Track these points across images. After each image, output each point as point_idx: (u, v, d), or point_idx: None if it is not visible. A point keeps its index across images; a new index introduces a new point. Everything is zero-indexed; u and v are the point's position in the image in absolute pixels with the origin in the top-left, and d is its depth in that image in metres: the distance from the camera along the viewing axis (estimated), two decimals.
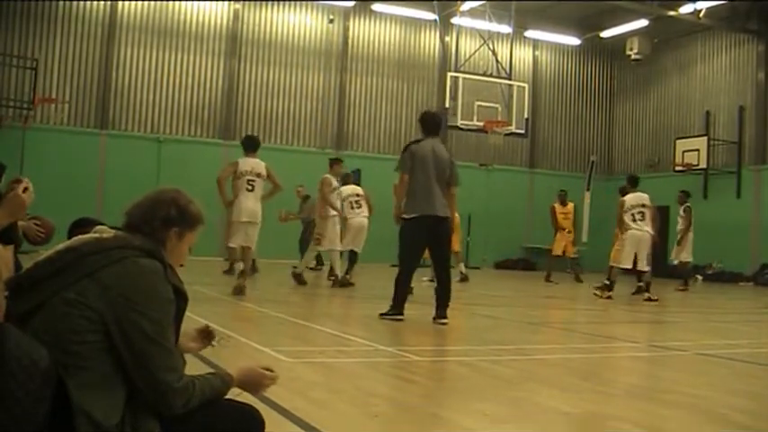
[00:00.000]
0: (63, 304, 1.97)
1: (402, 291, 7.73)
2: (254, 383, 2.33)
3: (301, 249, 15.74)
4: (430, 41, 24.49)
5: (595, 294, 12.09)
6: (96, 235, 2.12)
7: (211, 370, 2.30)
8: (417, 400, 4.04)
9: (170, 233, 2.20)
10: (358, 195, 12.88)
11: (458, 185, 8.08)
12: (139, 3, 21.15)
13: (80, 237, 2.11)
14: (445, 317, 7.58)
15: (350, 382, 4.42)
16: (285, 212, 15.45)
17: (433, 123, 8.15)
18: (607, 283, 12.07)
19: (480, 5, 21.80)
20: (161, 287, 2.06)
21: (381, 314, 7.72)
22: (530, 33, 24.97)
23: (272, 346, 5.54)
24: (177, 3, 21.59)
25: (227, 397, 2.23)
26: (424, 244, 7.93)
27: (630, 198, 12.37)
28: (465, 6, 22.27)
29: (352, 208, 12.73)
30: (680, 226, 15.43)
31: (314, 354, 5.60)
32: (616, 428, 3.56)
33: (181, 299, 2.15)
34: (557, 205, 16.80)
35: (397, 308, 7.69)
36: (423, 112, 8.58)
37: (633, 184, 12.70)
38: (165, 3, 21.44)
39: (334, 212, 12.11)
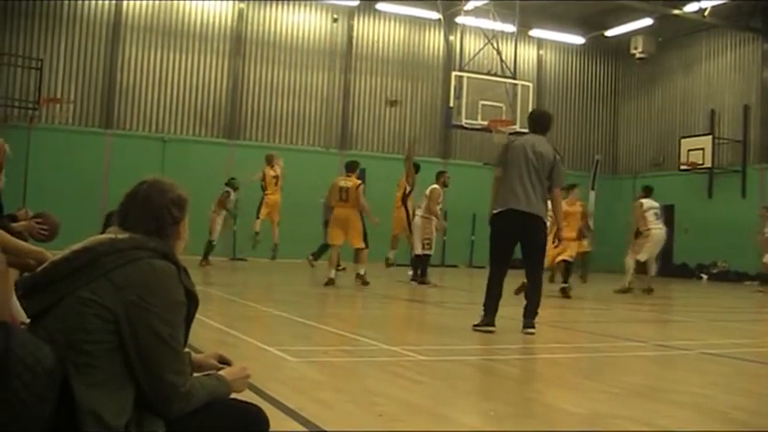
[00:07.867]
0: (77, 303, 1.98)
1: (490, 297, 7.05)
2: (240, 382, 2.32)
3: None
4: (434, 41, 24.46)
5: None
6: (112, 236, 2.13)
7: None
8: (423, 399, 4.03)
9: (179, 227, 2.27)
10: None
11: (560, 187, 7.54)
12: (144, 2, 21.17)
13: (96, 237, 2.13)
14: (532, 326, 6.97)
15: (355, 382, 4.41)
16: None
17: (532, 120, 7.78)
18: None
19: (484, 4, 21.76)
20: (174, 289, 2.08)
21: (474, 326, 7.06)
22: (534, 32, 24.94)
23: (277, 346, 5.53)
24: (182, 2, 21.60)
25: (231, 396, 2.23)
26: (510, 242, 7.25)
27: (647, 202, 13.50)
28: (469, 5, 22.24)
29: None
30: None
31: (318, 353, 5.60)
32: (622, 428, 3.55)
33: (192, 302, 2.16)
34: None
35: (486, 317, 7.02)
36: (531, 110, 8.56)
37: (648, 192, 13.73)
38: (169, 2, 21.46)
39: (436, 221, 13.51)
